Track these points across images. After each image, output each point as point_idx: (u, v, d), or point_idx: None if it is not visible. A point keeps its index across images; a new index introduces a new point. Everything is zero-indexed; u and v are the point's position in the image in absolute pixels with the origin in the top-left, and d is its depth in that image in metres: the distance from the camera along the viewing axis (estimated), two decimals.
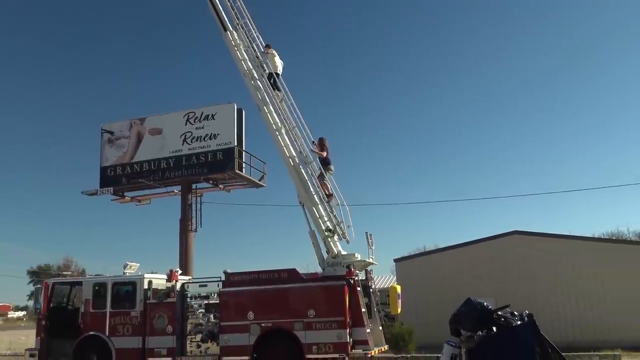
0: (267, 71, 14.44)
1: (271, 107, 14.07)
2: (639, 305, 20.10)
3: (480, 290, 17.54)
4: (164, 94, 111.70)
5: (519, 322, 7.54)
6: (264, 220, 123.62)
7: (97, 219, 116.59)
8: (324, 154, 13.76)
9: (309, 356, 11.85)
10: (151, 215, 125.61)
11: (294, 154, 13.83)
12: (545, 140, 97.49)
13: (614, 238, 41.36)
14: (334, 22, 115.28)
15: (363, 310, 12.19)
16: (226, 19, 14.69)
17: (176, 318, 13.14)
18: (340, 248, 13.21)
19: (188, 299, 13.62)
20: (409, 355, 15.98)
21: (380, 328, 13.31)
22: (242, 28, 14.51)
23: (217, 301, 13.10)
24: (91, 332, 13.52)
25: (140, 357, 13.11)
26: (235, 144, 20.29)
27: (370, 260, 13.35)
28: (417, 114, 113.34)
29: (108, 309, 13.56)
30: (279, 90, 14.27)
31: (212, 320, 13.24)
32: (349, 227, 13.05)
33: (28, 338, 24.76)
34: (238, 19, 14.59)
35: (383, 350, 13.13)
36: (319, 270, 13.44)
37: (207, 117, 20.74)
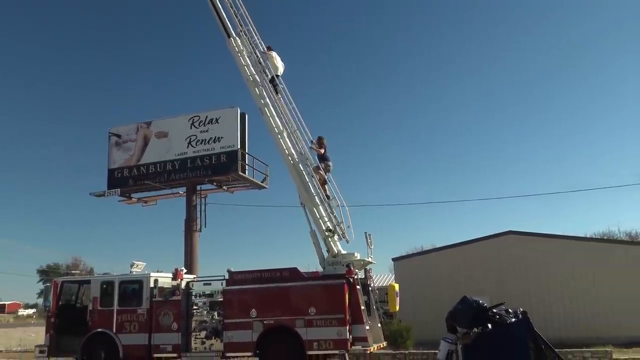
0: (269, 76, 14.46)
1: (273, 111, 14.18)
2: (630, 304, 20.40)
3: (475, 289, 17.95)
4: (170, 99, 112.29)
5: (513, 319, 7.76)
6: (266, 220, 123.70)
7: (105, 219, 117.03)
8: (322, 150, 13.93)
9: (309, 352, 12.03)
10: (157, 215, 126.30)
11: (295, 156, 13.93)
12: (543, 140, 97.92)
13: (605, 238, 41.51)
14: (338, 24, 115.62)
15: (362, 308, 12.32)
16: (230, 26, 14.71)
17: (181, 315, 13.31)
18: (340, 248, 13.33)
19: (193, 297, 13.75)
20: (407, 352, 16.20)
21: (379, 325, 13.44)
22: (245, 34, 14.52)
23: (221, 299, 13.23)
24: (99, 329, 13.65)
25: (146, 353, 13.27)
26: (239, 147, 20.66)
27: (370, 259, 13.48)
28: (417, 114, 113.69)
29: (115, 306, 13.73)
30: (279, 92, 14.36)
31: (216, 317, 13.40)
32: (348, 227, 13.14)
33: (38, 335, 24.98)
34: (241, 25, 14.59)
35: (382, 346, 13.30)
36: (319, 269, 13.67)
37: (211, 121, 21.12)
